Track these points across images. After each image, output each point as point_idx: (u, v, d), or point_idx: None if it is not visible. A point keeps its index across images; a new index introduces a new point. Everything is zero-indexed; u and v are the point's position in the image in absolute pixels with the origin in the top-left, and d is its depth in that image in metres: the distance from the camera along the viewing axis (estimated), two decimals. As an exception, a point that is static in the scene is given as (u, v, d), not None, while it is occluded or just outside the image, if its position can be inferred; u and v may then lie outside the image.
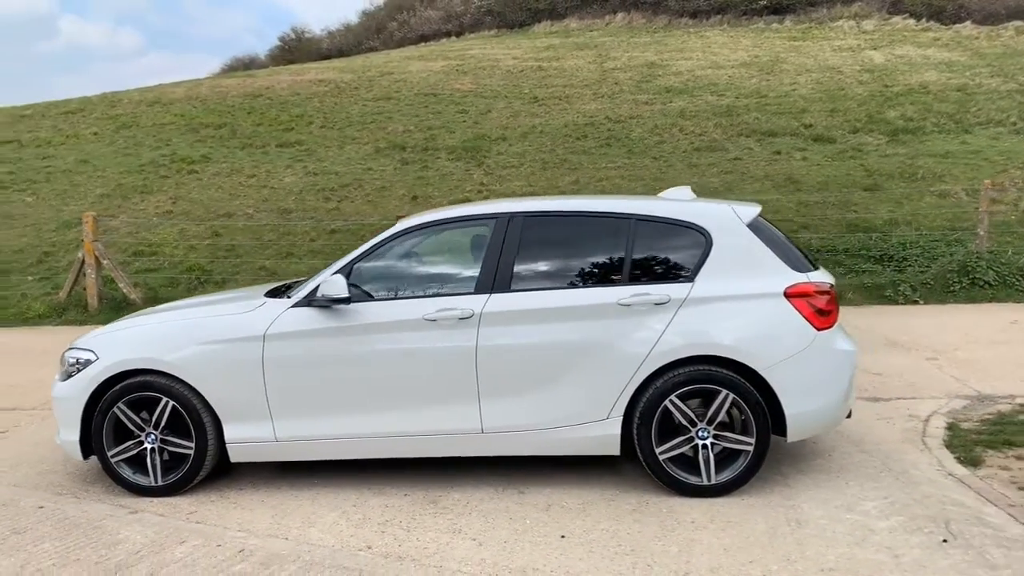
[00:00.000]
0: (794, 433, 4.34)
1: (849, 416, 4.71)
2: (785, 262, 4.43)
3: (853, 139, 15.48)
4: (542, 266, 4.52)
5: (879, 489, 4.35)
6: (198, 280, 10.73)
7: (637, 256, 4.46)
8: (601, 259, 4.51)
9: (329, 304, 4.40)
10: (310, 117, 18.56)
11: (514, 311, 4.35)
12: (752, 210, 4.63)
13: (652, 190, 13.07)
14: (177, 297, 8.63)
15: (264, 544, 3.90)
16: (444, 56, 25.88)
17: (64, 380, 4.59)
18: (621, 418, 4.32)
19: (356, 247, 4.74)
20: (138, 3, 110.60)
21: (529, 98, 19.77)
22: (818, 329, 4.30)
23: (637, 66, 22.33)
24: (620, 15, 30.88)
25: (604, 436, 4.34)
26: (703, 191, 12.98)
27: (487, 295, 4.39)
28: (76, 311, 10.10)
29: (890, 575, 3.45)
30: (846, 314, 9.22)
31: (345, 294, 4.33)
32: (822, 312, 4.34)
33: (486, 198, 13.33)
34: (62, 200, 13.84)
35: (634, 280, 4.39)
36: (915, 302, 9.51)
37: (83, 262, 10.09)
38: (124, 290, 10.05)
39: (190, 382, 4.41)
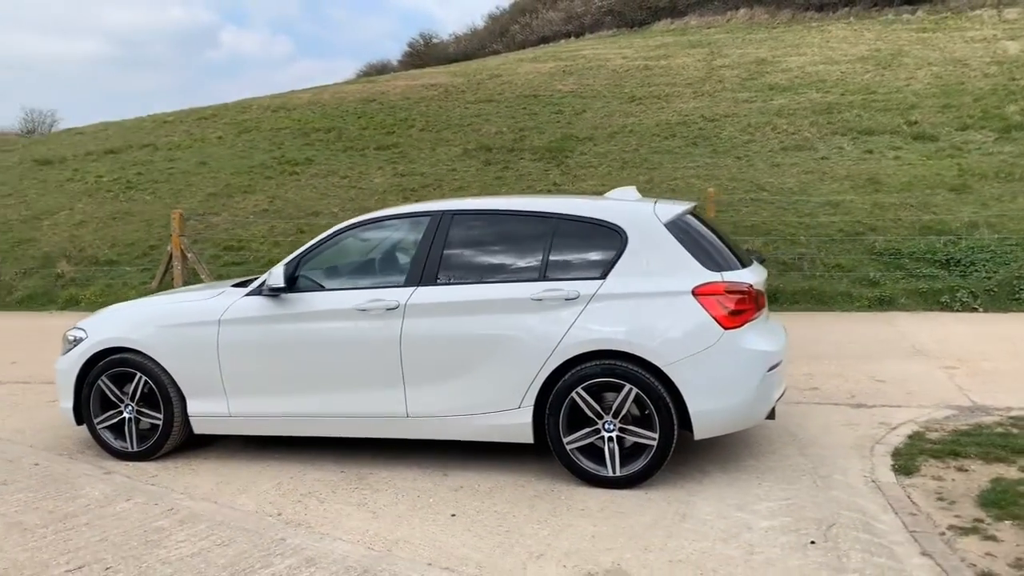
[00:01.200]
0: (700, 430, 4.39)
1: (772, 417, 4.70)
2: (701, 260, 4.48)
3: (958, 137, 14.58)
4: (466, 261, 4.78)
5: (787, 491, 4.33)
6: (274, 273, 11.59)
7: (555, 253, 4.64)
8: (521, 255, 4.72)
9: (274, 293, 4.85)
10: (412, 120, 19.37)
11: (436, 303, 4.64)
12: (674, 209, 4.71)
13: (726, 190, 12.91)
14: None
15: (193, 505, 4.39)
16: (556, 57, 26.21)
17: (63, 355, 5.27)
18: (532, 408, 4.52)
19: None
20: (290, 12, 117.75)
21: (627, 97, 19.77)
22: (725, 328, 4.34)
23: (746, 63, 21.81)
24: (742, 11, 30.13)
25: (517, 424, 4.56)
26: (777, 192, 12.72)
27: (414, 288, 4.71)
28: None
29: (735, 569, 3.50)
30: (893, 319, 8.87)
31: (282, 284, 4.77)
32: (732, 312, 4.37)
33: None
34: (176, 198, 15.20)
35: (550, 276, 4.58)
36: (974, 309, 8.97)
37: (171, 255, 11.16)
38: (206, 281, 11.03)
39: (158, 360, 4.98)
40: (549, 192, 13.70)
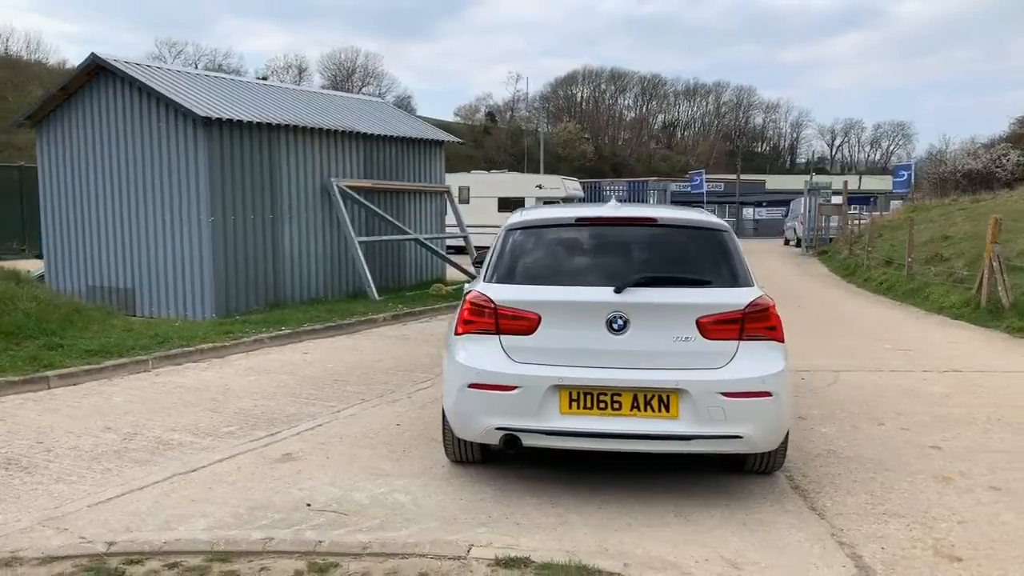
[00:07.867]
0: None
1: (509, 448, 4.24)
2: (501, 270, 4.61)
3: None
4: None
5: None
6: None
7: None
8: None
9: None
10: None
11: None
12: (532, 217, 4.93)
13: None
14: None
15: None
16: None
17: None
18: None
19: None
20: None
21: None
22: (456, 333, 4.53)
23: None
24: None
25: None
26: None
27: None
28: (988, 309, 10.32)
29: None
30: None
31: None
32: (464, 320, 4.51)
33: None
34: None
35: None
36: None
37: (988, 263, 10.24)
38: (1001, 294, 9.97)
39: None
40: None
